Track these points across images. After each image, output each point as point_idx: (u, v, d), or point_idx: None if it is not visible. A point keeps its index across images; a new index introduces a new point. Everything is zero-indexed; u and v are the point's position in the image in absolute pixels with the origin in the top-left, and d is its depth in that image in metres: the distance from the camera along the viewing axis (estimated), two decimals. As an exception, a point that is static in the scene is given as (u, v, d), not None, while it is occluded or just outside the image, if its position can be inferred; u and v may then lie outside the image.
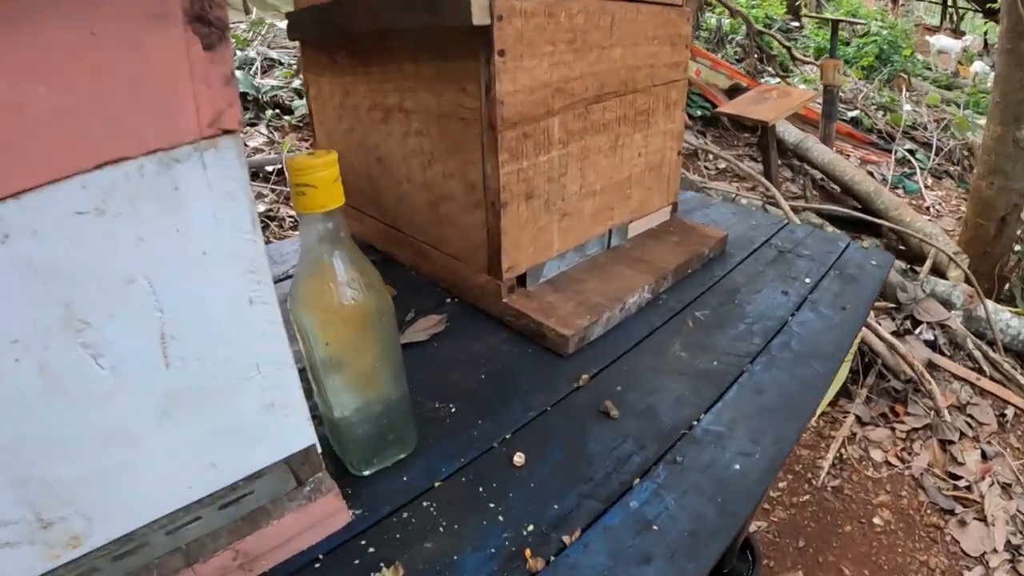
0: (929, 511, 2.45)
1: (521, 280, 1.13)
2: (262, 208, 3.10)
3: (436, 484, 0.80)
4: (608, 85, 1.15)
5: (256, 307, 0.61)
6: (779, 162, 4.66)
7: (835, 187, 5.04)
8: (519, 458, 0.83)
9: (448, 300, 1.22)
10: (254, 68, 4.38)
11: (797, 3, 7.45)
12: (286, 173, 2.69)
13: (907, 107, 6.55)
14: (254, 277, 0.60)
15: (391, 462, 0.83)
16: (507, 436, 0.87)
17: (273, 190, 3.29)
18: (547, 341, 1.04)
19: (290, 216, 3.12)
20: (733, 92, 5.53)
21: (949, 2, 9.39)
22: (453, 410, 0.93)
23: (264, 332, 0.63)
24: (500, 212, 1.01)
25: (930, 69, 8.43)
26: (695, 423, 0.91)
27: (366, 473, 0.81)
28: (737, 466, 0.84)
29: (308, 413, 0.68)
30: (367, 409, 0.78)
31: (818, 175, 5.06)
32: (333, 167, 0.67)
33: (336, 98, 1.38)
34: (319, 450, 0.72)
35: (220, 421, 0.63)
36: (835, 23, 5.21)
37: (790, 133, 5.13)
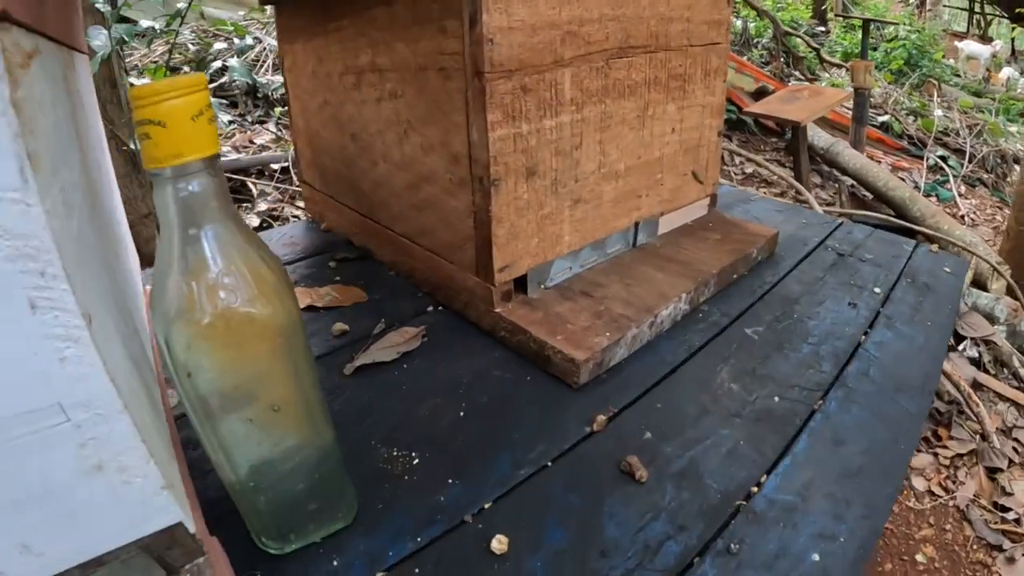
0: (975, 546, 2.14)
1: (521, 284, 0.85)
2: (263, 207, 2.86)
3: (377, 579, 0.52)
4: (635, 36, 0.86)
5: (42, 316, 0.34)
6: (810, 167, 4.34)
7: (867, 194, 4.71)
8: (499, 543, 0.55)
9: (430, 308, 0.94)
10: (266, 65, 4.16)
11: (823, 7, 7.10)
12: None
13: (938, 112, 6.20)
14: (33, 267, 0.33)
15: (318, 536, 0.56)
16: (486, 506, 0.59)
17: (277, 188, 3.04)
18: (552, 366, 0.76)
19: (294, 215, 2.88)
20: (759, 96, 5.22)
21: (976, 8, 8.99)
22: (416, 461, 0.65)
23: (64, 356, 0.36)
24: (491, 192, 0.74)
25: (959, 75, 8.04)
26: (754, 490, 0.63)
27: (285, 549, 0.54)
28: (816, 556, 0.56)
29: (173, 477, 0.42)
30: (269, 467, 0.50)
31: (848, 181, 4.73)
32: (194, 92, 0.39)
33: (309, 66, 1.12)
34: (191, 529, 0.45)
35: (16, 489, 0.37)
36: (866, 23, 4.87)
37: (819, 137, 4.80)
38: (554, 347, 0.74)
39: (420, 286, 0.98)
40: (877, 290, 1.08)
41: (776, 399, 0.77)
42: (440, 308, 0.94)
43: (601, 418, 0.70)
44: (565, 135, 0.80)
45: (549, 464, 0.65)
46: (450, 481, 0.62)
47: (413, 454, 0.66)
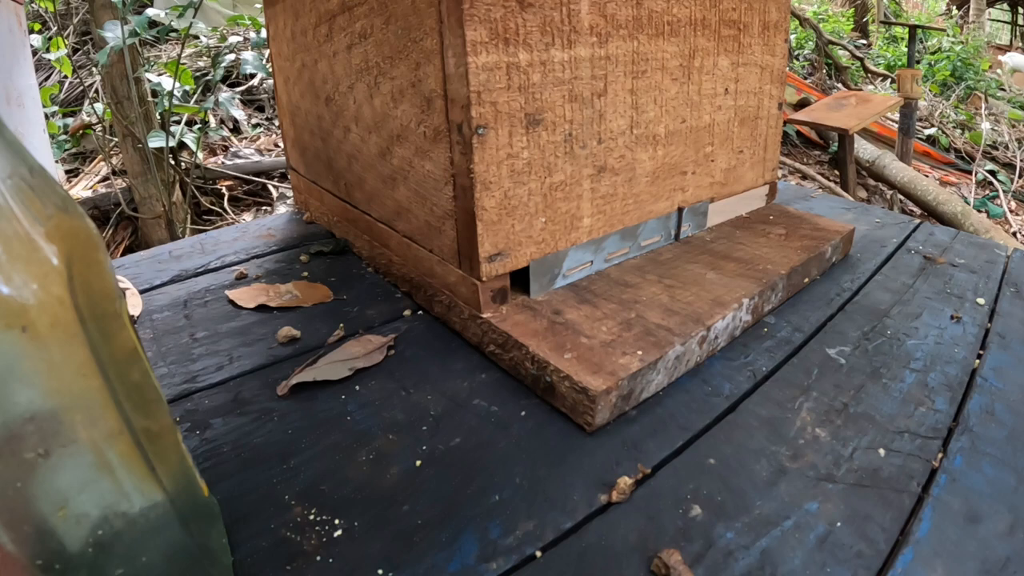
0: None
1: (521, 280, 0.60)
2: (283, 210, 2.68)
3: None
4: (683, -48, 0.61)
5: None
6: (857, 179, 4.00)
7: (914, 208, 4.34)
8: None
9: (407, 312, 0.70)
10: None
11: (864, 19, 6.71)
12: None
13: (985, 125, 5.77)
14: None
15: None
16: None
17: (276, 187, 2.84)
18: (556, 397, 0.51)
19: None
20: (802, 108, 4.89)
21: (1019, 20, 8.46)
22: (338, 533, 0.41)
23: None
24: (472, 144, 0.49)
25: (1004, 89, 7.54)
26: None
27: None
28: None
29: None
30: (65, 540, 0.26)
31: (896, 195, 4.37)
32: None
33: (288, 27, 0.90)
34: None
35: None
36: (913, 30, 4.48)
37: (865, 149, 4.45)
38: (559, 370, 0.49)
39: (399, 284, 0.74)
40: (981, 301, 0.80)
41: (881, 452, 0.51)
42: (420, 312, 0.69)
43: (625, 481, 0.44)
44: (583, 75, 0.56)
45: (538, 555, 0.39)
46: (380, 572, 0.38)
47: (337, 521, 0.41)
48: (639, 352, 0.51)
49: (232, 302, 0.76)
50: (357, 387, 0.58)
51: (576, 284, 0.63)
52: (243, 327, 0.71)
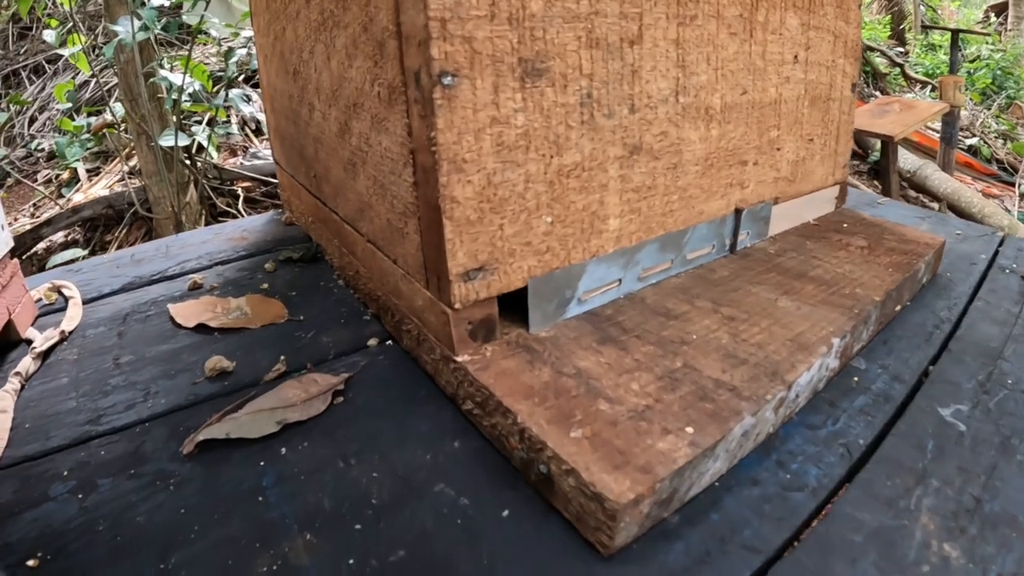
0: None
1: (514, 305, 0.40)
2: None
3: None
4: None
5: None
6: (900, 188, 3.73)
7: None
8: None
9: (373, 341, 0.51)
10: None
11: (901, 27, 6.34)
12: None
13: (1027, 136, 5.41)
14: None
15: None
16: None
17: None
18: (556, 497, 0.31)
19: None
20: (837, 115, 4.61)
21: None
22: None
23: None
24: (434, 99, 0.30)
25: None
26: None
27: None
28: None
29: None
30: None
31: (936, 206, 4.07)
32: None
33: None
34: None
35: None
36: (955, 35, 4.16)
37: (906, 159, 4.15)
38: (561, 458, 0.29)
39: (367, 302, 0.55)
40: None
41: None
42: (389, 343, 0.51)
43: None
44: (609, 11, 0.37)
45: None
46: None
47: None
48: (688, 429, 0.31)
49: (172, 319, 0.60)
50: (283, 450, 0.40)
51: (597, 313, 0.43)
52: (173, 352, 0.54)
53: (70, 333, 0.60)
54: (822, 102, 0.64)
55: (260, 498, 0.36)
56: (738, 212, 0.54)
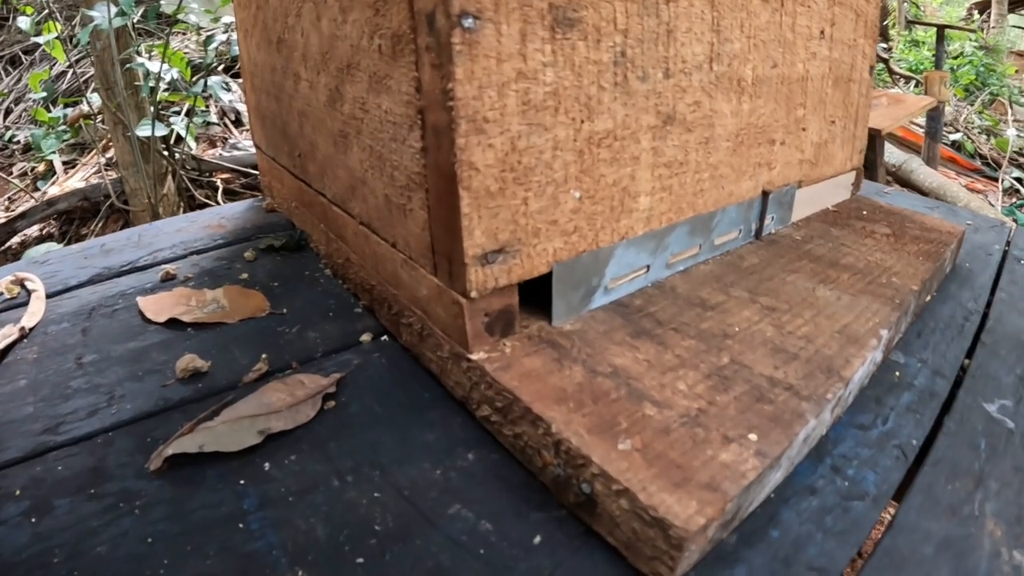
0: None
1: (535, 292, 0.35)
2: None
3: None
4: None
5: None
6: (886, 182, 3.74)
7: (941, 216, 4.06)
8: None
9: (367, 336, 0.46)
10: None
11: (884, 23, 6.37)
12: None
13: (1011, 131, 5.46)
14: None
15: None
16: None
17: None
18: (600, 521, 0.26)
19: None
20: (821, 111, 4.61)
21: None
22: None
23: None
24: (452, 42, 0.25)
25: (1026, 96, 7.21)
26: None
27: None
28: None
29: None
30: None
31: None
32: None
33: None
34: None
35: None
36: (940, 31, 4.18)
37: (891, 154, 4.16)
38: (611, 476, 0.24)
39: (358, 293, 0.50)
40: None
41: None
42: (383, 338, 0.45)
43: None
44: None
45: None
46: None
47: None
48: (752, 436, 0.26)
49: (141, 313, 0.54)
50: (267, 465, 0.34)
51: (625, 303, 0.38)
52: (141, 350, 0.48)
53: (31, 330, 0.54)
54: (844, 83, 0.60)
55: (241, 525, 0.30)
56: (765, 195, 0.49)
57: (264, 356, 0.43)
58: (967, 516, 0.34)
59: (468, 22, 0.25)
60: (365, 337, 0.45)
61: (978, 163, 5.51)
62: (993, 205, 4.96)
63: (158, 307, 0.54)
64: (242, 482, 0.33)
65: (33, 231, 2.25)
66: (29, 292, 0.60)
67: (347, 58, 0.37)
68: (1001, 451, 0.39)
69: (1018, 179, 5.30)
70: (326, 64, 0.43)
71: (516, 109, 0.28)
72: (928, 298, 0.56)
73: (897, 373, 0.45)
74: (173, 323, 0.51)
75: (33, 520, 0.33)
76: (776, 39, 0.46)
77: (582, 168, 0.32)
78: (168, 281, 0.60)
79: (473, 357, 0.31)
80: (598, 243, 0.34)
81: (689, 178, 0.39)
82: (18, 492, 0.36)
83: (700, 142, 0.39)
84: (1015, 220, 5.06)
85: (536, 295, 0.36)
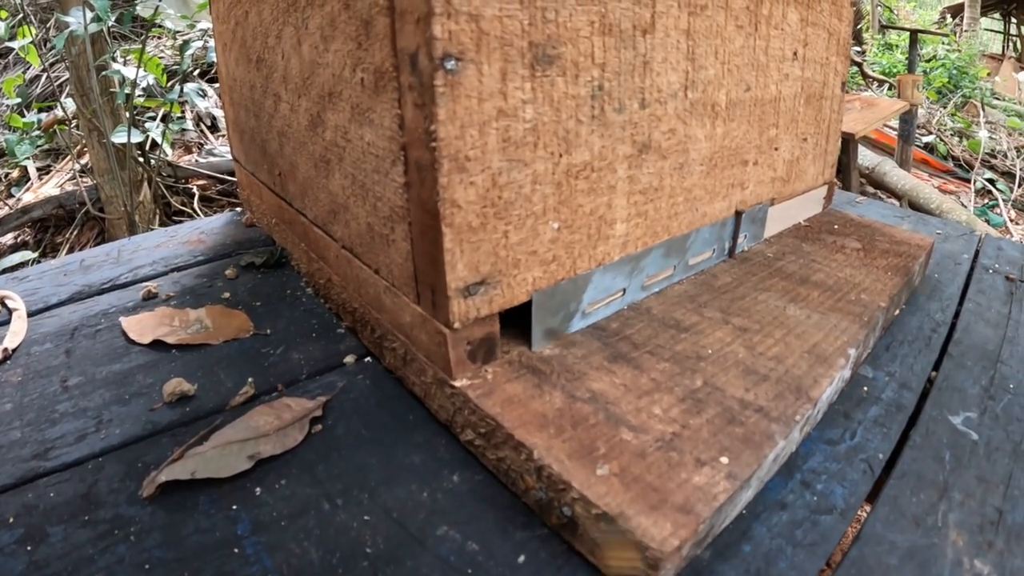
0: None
1: (514, 317, 0.36)
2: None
3: None
4: None
5: None
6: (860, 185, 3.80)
7: (915, 217, 4.14)
8: None
9: (351, 358, 0.47)
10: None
11: (858, 26, 6.49)
12: None
13: (983, 133, 5.59)
14: None
15: None
16: None
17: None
18: (582, 542, 0.27)
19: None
20: (797, 114, 4.68)
21: (1012, 30, 8.28)
22: None
23: None
24: (434, 86, 0.26)
25: (999, 98, 7.40)
26: None
27: None
28: None
29: None
30: None
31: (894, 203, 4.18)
32: None
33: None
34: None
35: None
36: (914, 34, 4.28)
37: (864, 156, 4.24)
38: (590, 501, 0.25)
39: (341, 314, 0.51)
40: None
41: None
42: (367, 359, 0.46)
43: None
44: (623, -7, 0.33)
45: None
46: None
47: None
48: (723, 459, 0.28)
49: (124, 334, 0.54)
50: (258, 490, 0.35)
51: (602, 326, 0.39)
52: (126, 372, 0.49)
53: (14, 351, 0.54)
54: (816, 100, 0.62)
55: (236, 550, 0.31)
56: (738, 214, 0.51)
57: (250, 379, 0.44)
58: (931, 526, 0.36)
59: (451, 64, 0.26)
60: (349, 359, 0.46)
61: (951, 165, 5.63)
62: (965, 206, 5.07)
63: (141, 328, 0.55)
64: (234, 507, 0.34)
65: (7, 239, 2.21)
66: (10, 311, 0.60)
67: (329, 86, 0.38)
68: (965, 462, 0.41)
69: (990, 180, 5.42)
70: (307, 89, 0.44)
71: (497, 146, 0.29)
72: (897, 312, 0.58)
73: (865, 388, 0.47)
74: (157, 344, 0.52)
75: (28, 548, 0.34)
76: (750, 63, 0.48)
77: (560, 199, 0.33)
78: (150, 299, 0.60)
79: (456, 384, 0.32)
80: (576, 270, 0.36)
81: (664, 203, 0.41)
82: (11, 519, 0.36)
83: (675, 168, 0.41)
84: (987, 220, 5.16)
85: (516, 319, 0.37)
